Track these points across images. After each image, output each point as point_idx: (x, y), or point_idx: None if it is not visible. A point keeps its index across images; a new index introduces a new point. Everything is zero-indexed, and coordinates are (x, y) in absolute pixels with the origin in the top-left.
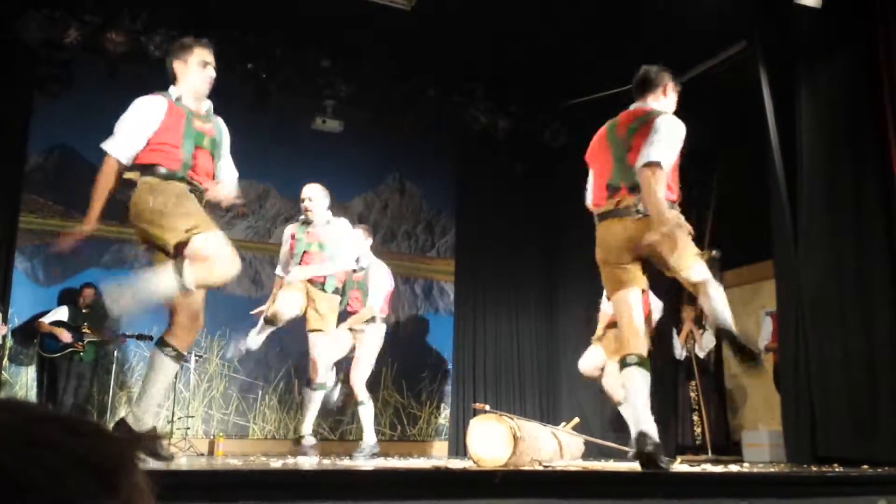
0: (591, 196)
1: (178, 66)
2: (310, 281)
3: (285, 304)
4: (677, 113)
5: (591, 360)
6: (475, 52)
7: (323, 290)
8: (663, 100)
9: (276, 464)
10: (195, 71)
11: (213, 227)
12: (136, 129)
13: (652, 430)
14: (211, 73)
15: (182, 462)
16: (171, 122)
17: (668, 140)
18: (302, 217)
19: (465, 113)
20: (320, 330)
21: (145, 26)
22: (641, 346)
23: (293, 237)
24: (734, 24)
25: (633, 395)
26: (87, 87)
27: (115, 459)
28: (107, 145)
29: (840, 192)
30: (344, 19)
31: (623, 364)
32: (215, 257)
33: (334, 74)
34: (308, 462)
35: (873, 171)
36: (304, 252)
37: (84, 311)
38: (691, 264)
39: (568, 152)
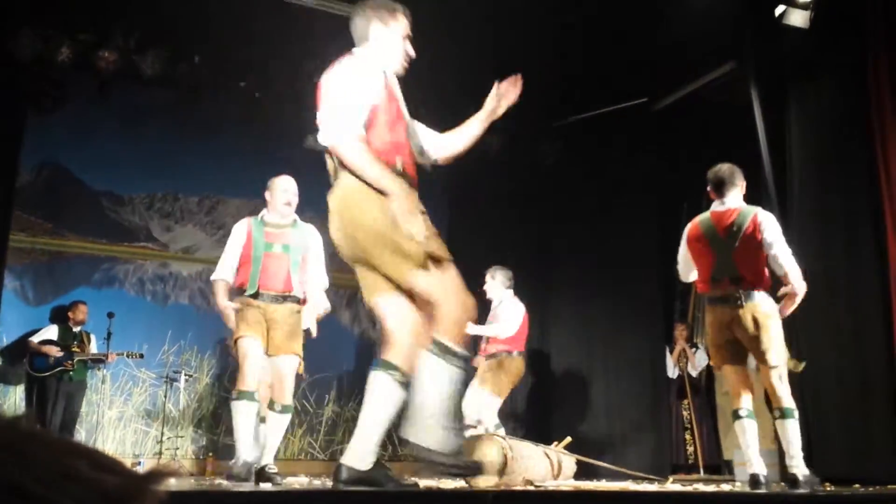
0: (697, 280)
1: (376, 27)
2: (274, 296)
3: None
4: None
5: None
6: (466, 71)
7: (286, 300)
8: (739, 192)
9: (264, 485)
10: (397, 41)
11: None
12: (360, 105)
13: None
14: (410, 50)
15: (171, 483)
16: (389, 105)
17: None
18: (264, 213)
19: None
20: (295, 353)
21: (137, 45)
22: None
23: (249, 236)
24: (724, 44)
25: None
26: (78, 104)
27: (132, 494)
28: (338, 136)
29: (830, 208)
30: (336, 36)
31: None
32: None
33: None
34: (297, 482)
35: (862, 188)
36: (265, 254)
37: (74, 329)
38: (781, 362)
39: (560, 170)
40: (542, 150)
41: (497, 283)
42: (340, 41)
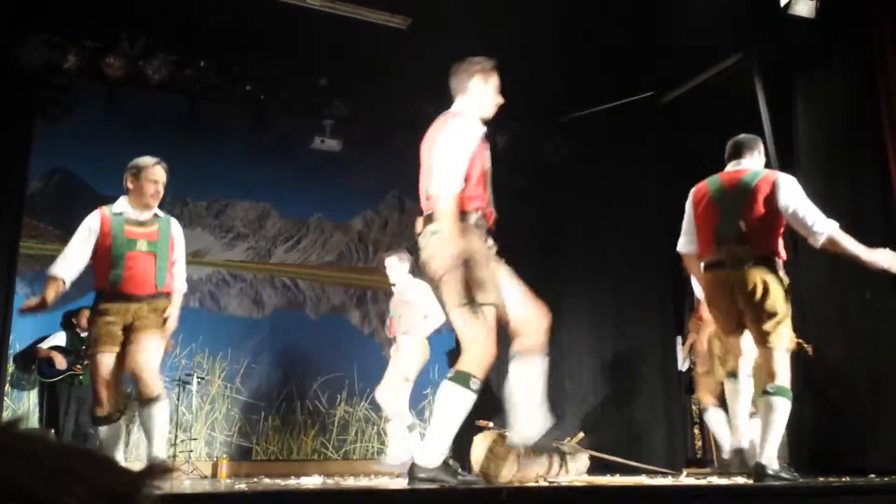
0: (698, 246)
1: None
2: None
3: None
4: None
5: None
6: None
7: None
8: (758, 159)
9: (278, 485)
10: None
11: None
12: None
13: None
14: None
15: (186, 485)
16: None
17: (802, 197)
18: (120, 206)
19: None
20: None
21: (144, 51)
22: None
23: (109, 233)
24: (729, 37)
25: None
26: (87, 112)
27: (130, 490)
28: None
29: (838, 200)
30: (341, 38)
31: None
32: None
33: (332, 94)
34: (310, 482)
35: (871, 180)
36: (129, 252)
37: (82, 335)
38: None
39: (569, 167)
40: (550, 145)
41: (405, 268)
42: (344, 42)
